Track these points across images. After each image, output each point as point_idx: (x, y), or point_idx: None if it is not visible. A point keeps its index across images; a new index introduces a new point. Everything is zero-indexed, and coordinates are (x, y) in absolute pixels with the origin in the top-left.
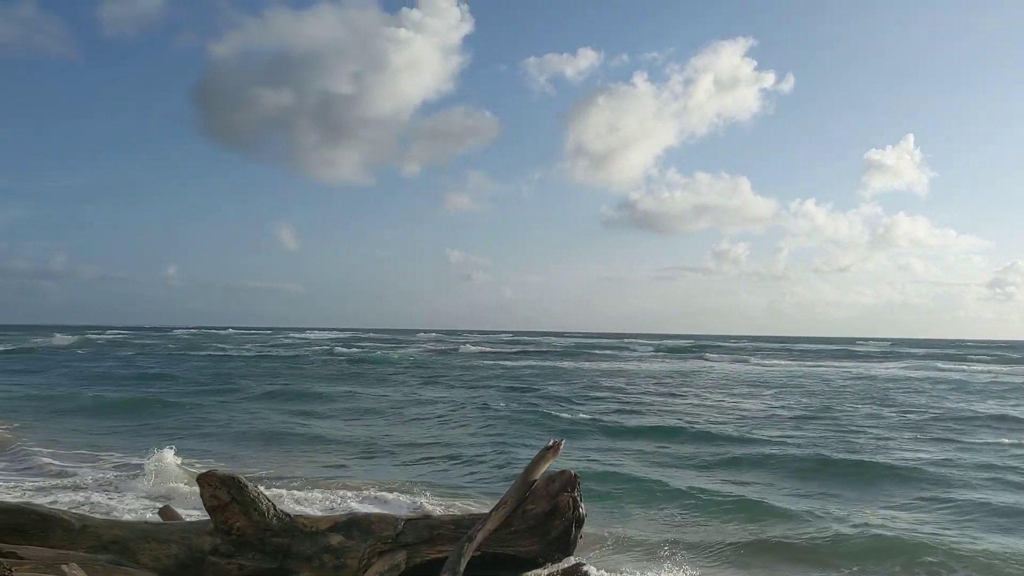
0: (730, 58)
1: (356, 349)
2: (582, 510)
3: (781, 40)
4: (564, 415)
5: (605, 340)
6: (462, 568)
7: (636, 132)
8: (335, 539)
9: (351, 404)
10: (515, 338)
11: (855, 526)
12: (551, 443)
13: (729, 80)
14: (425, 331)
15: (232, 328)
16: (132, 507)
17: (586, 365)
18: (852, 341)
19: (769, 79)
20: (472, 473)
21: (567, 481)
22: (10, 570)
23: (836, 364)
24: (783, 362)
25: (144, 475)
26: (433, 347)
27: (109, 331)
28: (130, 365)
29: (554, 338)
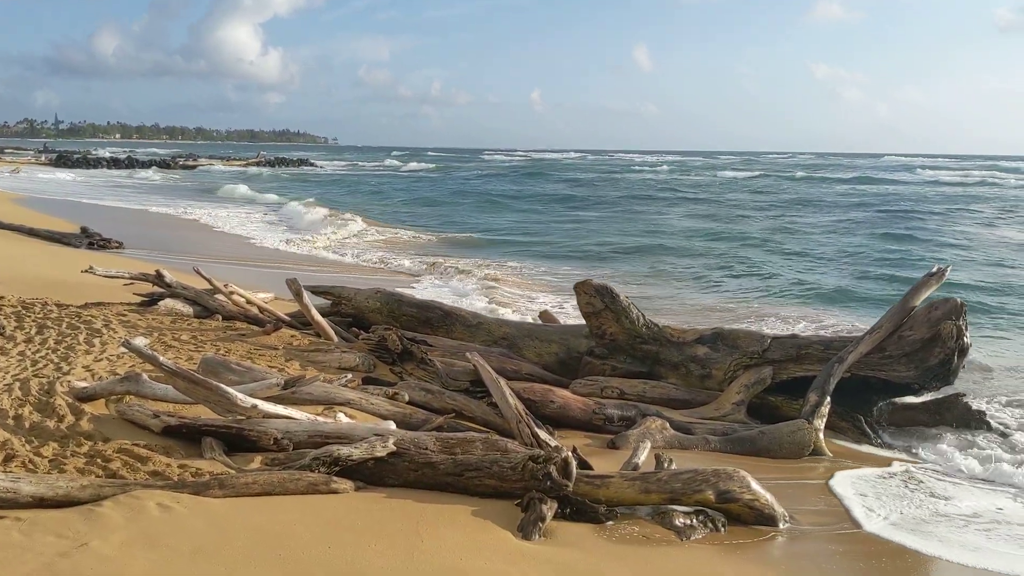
0: None
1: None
2: (966, 339)
3: None
4: None
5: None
6: (831, 388)
7: None
8: (700, 350)
9: None
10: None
11: None
12: (935, 269)
13: None
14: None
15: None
16: None
17: None
18: None
19: None
20: None
21: (952, 309)
22: (426, 353)
23: None
24: None
25: None
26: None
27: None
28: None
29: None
